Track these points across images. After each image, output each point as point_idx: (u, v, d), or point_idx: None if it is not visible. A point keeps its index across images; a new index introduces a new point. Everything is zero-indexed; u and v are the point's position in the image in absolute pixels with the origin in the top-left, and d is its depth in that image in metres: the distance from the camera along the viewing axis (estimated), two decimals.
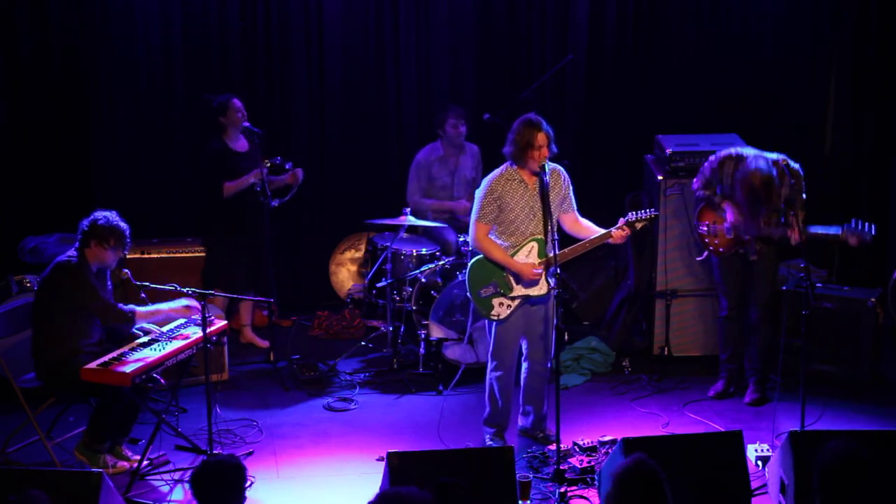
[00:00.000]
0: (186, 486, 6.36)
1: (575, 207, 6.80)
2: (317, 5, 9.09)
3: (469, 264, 6.74)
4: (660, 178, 8.16)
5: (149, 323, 6.68)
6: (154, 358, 6.32)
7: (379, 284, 8.11)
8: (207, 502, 4.52)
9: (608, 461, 5.94)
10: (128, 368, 6.16)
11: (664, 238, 8.17)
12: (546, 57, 9.38)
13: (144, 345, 6.49)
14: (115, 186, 8.98)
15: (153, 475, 6.48)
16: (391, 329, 8.13)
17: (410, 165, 8.76)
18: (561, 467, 6.34)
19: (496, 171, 6.63)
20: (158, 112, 9.03)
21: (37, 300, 6.59)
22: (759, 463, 6.48)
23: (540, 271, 6.53)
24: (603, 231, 6.64)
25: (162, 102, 9.02)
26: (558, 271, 6.42)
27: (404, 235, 8.17)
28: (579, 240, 6.67)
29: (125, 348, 6.43)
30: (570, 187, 6.78)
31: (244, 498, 4.62)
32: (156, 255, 8.36)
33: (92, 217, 6.51)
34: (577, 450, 6.69)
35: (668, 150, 8.17)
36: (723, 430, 7.02)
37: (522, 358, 6.86)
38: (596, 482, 6.23)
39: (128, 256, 8.18)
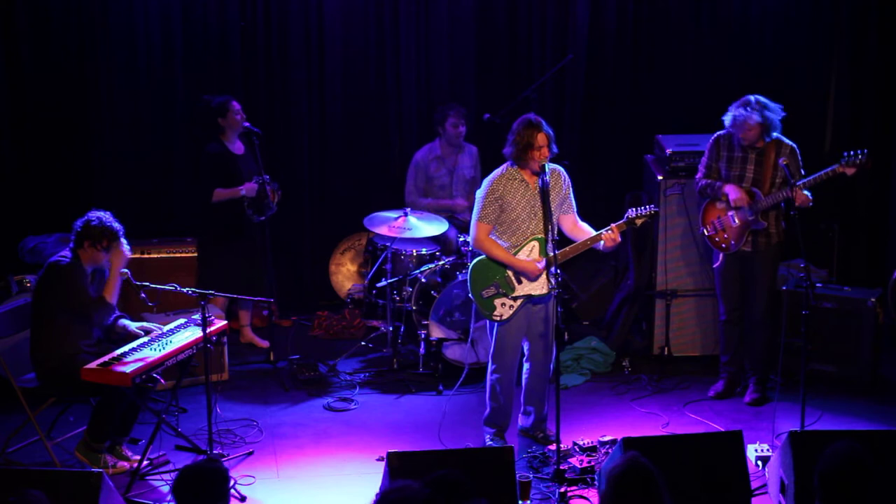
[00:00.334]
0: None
1: (575, 209, 6.80)
2: (317, 5, 9.09)
3: (470, 266, 6.74)
4: (660, 178, 8.16)
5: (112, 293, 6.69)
6: (154, 358, 6.32)
7: (379, 284, 8.11)
8: None
9: (608, 462, 5.93)
10: (128, 368, 6.16)
11: (664, 238, 8.18)
12: (546, 57, 9.38)
13: (144, 345, 6.49)
14: (115, 186, 8.98)
15: (153, 475, 6.48)
16: (391, 329, 8.13)
17: (409, 165, 8.77)
18: (561, 467, 6.34)
19: (497, 171, 6.63)
20: (158, 112, 9.03)
21: (33, 302, 6.60)
22: (759, 463, 6.48)
23: (543, 266, 6.53)
24: (594, 234, 6.63)
25: (162, 102, 9.02)
26: (558, 271, 6.41)
27: (404, 235, 8.17)
28: (574, 241, 6.66)
29: (125, 348, 6.43)
30: (571, 188, 6.78)
31: (228, 501, 4.60)
32: (156, 255, 8.36)
33: (86, 218, 6.51)
34: (577, 450, 6.69)
35: (668, 150, 8.17)
36: (723, 430, 7.02)
37: (524, 358, 6.86)
38: (596, 482, 6.23)
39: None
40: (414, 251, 8.15)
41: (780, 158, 7.11)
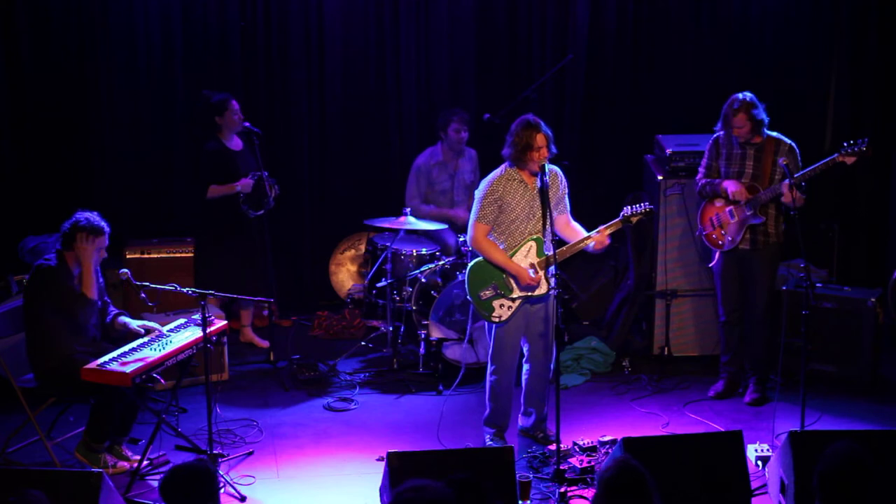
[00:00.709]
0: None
1: (568, 210, 6.79)
2: (317, 5, 9.09)
3: (468, 267, 6.73)
4: (660, 178, 8.16)
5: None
6: (154, 358, 6.32)
7: (379, 284, 8.11)
8: None
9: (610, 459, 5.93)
10: (128, 368, 6.15)
11: (664, 238, 8.18)
12: (546, 57, 9.38)
13: (144, 345, 6.49)
14: (115, 186, 8.99)
15: (153, 475, 6.48)
16: (391, 329, 8.13)
17: (410, 169, 8.75)
18: (561, 467, 6.34)
19: (496, 172, 6.63)
20: (158, 112, 9.04)
21: (24, 306, 6.61)
22: (759, 463, 6.48)
23: (538, 276, 6.53)
24: (585, 235, 6.63)
25: (162, 102, 9.03)
26: (557, 272, 6.41)
27: (404, 235, 8.17)
28: (566, 242, 6.66)
29: (125, 348, 6.43)
30: (567, 189, 6.78)
31: (218, 500, 4.59)
32: (156, 255, 8.36)
33: (73, 219, 6.50)
34: (577, 450, 6.69)
35: (668, 150, 8.17)
36: (723, 430, 7.02)
37: (524, 359, 6.86)
38: (596, 482, 6.22)
39: (128, 256, 8.24)
40: (414, 251, 8.15)
41: (780, 158, 7.11)
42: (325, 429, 7.22)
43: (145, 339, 6.58)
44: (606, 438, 6.73)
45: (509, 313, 6.61)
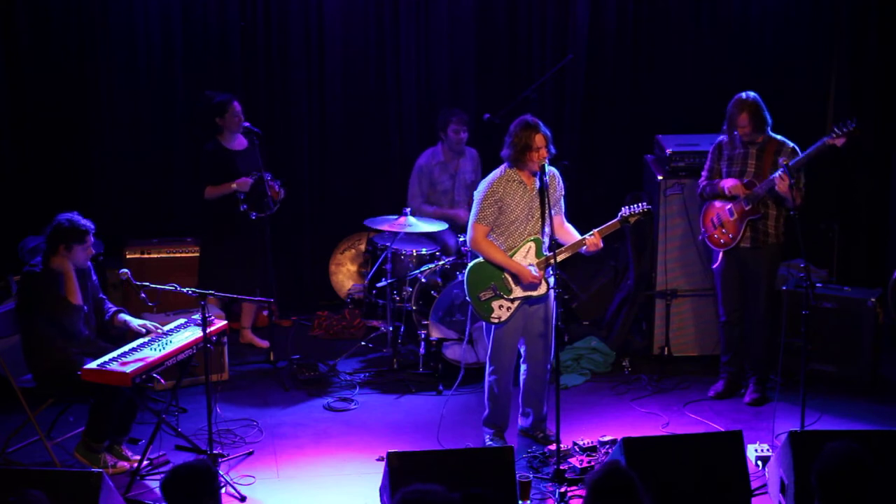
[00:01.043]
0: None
1: (563, 212, 6.79)
2: (317, 5, 9.09)
3: (467, 268, 6.73)
4: (660, 178, 8.16)
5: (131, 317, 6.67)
6: (154, 358, 6.32)
7: (379, 284, 8.11)
8: None
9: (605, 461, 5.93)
10: (128, 368, 6.16)
11: (664, 238, 8.18)
12: (546, 57, 9.38)
13: (144, 345, 6.49)
14: (115, 186, 8.99)
15: (153, 475, 6.48)
16: (391, 329, 8.13)
17: (412, 170, 8.75)
18: (561, 467, 6.34)
19: (496, 173, 6.63)
20: (158, 112, 9.04)
21: (16, 310, 6.61)
22: (759, 463, 6.48)
23: (539, 274, 6.53)
24: (579, 237, 6.63)
25: (162, 102, 9.03)
26: (557, 272, 6.41)
27: (404, 235, 8.17)
28: (561, 243, 6.64)
29: (125, 348, 6.43)
30: (563, 191, 6.78)
31: (219, 499, 4.59)
32: (156, 255, 8.36)
33: (55, 222, 6.49)
34: (577, 450, 6.69)
35: (668, 150, 8.17)
36: (723, 430, 7.02)
37: (521, 360, 6.86)
38: (585, 485, 6.21)
39: (128, 256, 8.24)
40: (414, 251, 8.15)
41: (781, 158, 7.11)
42: (325, 429, 7.22)
43: (145, 338, 6.58)
44: (606, 438, 6.73)
45: (508, 314, 6.61)
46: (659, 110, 9.35)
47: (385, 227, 8.00)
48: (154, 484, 6.41)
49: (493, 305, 6.61)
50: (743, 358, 7.60)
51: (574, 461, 6.54)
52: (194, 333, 6.65)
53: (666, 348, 8.18)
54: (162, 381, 6.61)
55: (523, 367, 6.86)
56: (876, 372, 7.80)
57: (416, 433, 7.11)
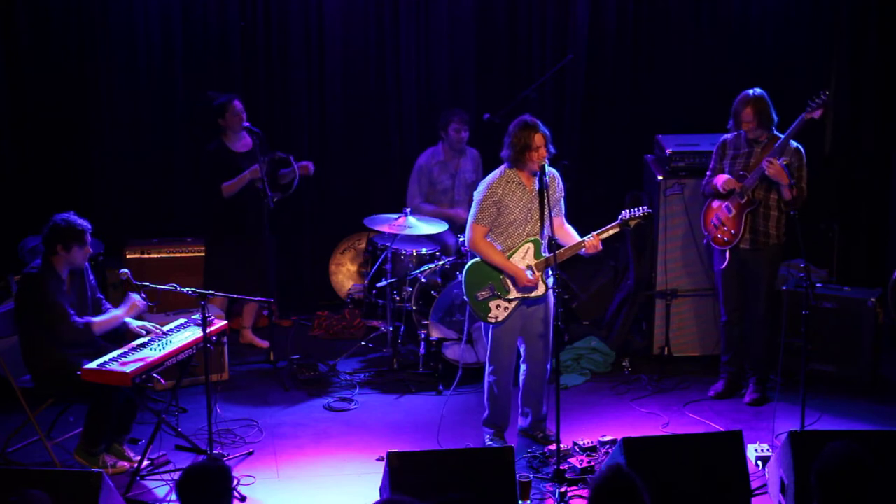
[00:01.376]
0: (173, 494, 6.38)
1: (563, 213, 6.79)
2: (317, 5, 9.09)
3: (465, 267, 6.73)
4: (660, 178, 8.16)
5: (106, 329, 6.61)
6: (154, 358, 6.32)
7: (379, 284, 8.11)
8: None
9: (609, 462, 5.93)
10: (128, 368, 6.16)
11: (664, 238, 8.18)
12: (546, 57, 9.38)
13: (144, 345, 6.49)
14: (115, 186, 9.00)
15: (153, 475, 6.48)
16: (391, 329, 8.13)
17: (412, 169, 8.75)
18: (561, 467, 6.34)
19: (495, 174, 6.63)
20: (158, 112, 9.04)
21: (15, 311, 6.61)
22: (759, 463, 6.48)
23: (535, 277, 6.52)
24: (578, 240, 6.62)
25: (162, 102, 9.03)
26: (557, 272, 6.41)
27: (404, 235, 8.17)
28: (561, 244, 6.64)
29: (125, 348, 6.43)
30: (563, 192, 6.78)
31: (232, 499, 4.59)
32: (156, 255, 8.36)
33: (51, 222, 6.47)
34: (577, 450, 6.69)
35: (668, 150, 8.17)
36: (723, 430, 7.02)
37: (521, 360, 6.86)
38: (588, 488, 6.22)
39: (128, 256, 8.24)
40: (414, 251, 8.15)
41: (781, 158, 7.11)
42: (325, 429, 7.22)
43: (145, 338, 6.58)
44: (606, 438, 6.73)
45: (505, 314, 6.61)
46: (659, 110, 9.35)
47: (385, 228, 8.01)
48: (154, 484, 6.41)
49: (490, 305, 6.61)
50: (743, 358, 7.60)
51: (574, 461, 6.54)
52: (194, 333, 6.65)
53: (666, 348, 8.18)
54: (162, 381, 6.61)
55: (523, 368, 6.86)
56: (876, 372, 7.80)
57: (416, 433, 7.11)
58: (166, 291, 6.59)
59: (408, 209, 8.11)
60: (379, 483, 5.84)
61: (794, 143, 7.24)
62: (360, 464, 6.66)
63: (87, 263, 6.66)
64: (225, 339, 7.63)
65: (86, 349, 6.49)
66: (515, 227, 6.56)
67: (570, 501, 6.17)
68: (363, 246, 9.10)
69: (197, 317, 6.58)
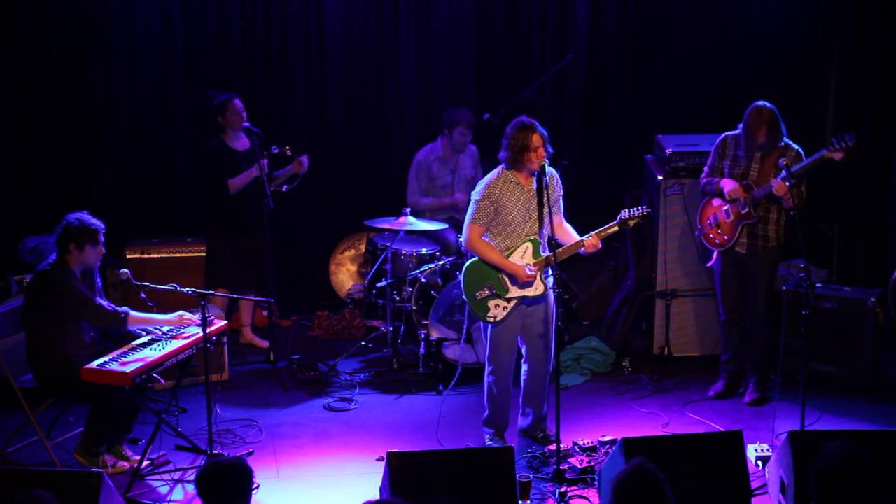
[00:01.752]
0: (189, 487, 6.37)
1: (563, 212, 6.79)
2: (317, 5, 9.09)
3: (464, 267, 6.73)
4: (660, 178, 8.16)
5: (140, 326, 6.64)
6: (154, 358, 6.32)
7: (379, 284, 8.11)
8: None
9: (608, 462, 5.93)
10: (128, 368, 6.16)
11: (664, 238, 8.18)
12: (546, 57, 9.38)
13: (144, 345, 6.49)
14: (115, 186, 8.99)
15: (153, 475, 6.48)
16: (391, 329, 8.13)
17: (410, 165, 8.76)
18: (561, 467, 6.34)
19: (492, 174, 6.63)
20: (158, 112, 9.04)
21: (24, 309, 6.60)
22: (759, 463, 6.48)
23: (534, 272, 6.53)
24: (577, 239, 6.63)
25: (162, 102, 9.03)
26: (557, 272, 6.41)
27: (404, 235, 8.17)
28: (561, 243, 6.64)
29: (125, 348, 6.44)
30: (562, 192, 6.78)
31: (250, 499, 4.60)
32: (156, 255, 8.35)
33: (64, 221, 6.48)
34: (577, 450, 6.69)
35: (668, 150, 8.17)
36: (723, 430, 7.02)
37: (522, 360, 6.86)
38: (596, 482, 6.23)
39: (128, 256, 8.24)
40: (414, 251, 8.15)
41: (781, 159, 7.11)
42: (325, 429, 7.22)
43: (145, 339, 6.58)
44: (606, 438, 6.73)
45: (504, 313, 6.61)
46: (659, 110, 9.35)
47: (385, 227, 8.01)
48: (154, 484, 6.41)
49: (489, 305, 6.62)
50: (743, 358, 7.60)
51: (574, 461, 6.54)
52: (194, 333, 6.65)
53: (666, 348, 8.18)
54: (162, 381, 6.61)
55: (524, 367, 6.86)
56: (876, 372, 7.80)
57: (416, 433, 7.11)
58: (166, 291, 6.59)
59: (408, 209, 8.11)
60: (379, 483, 5.84)
61: (794, 146, 7.23)
62: (360, 464, 6.66)
63: (95, 270, 6.65)
64: (225, 339, 7.63)
65: (91, 349, 6.49)
66: (514, 227, 6.57)
67: (570, 501, 6.17)
68: (363, 246, 9.10)
69: (197, 317, 6.58)
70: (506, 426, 6.89)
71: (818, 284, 7.86)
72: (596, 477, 6.26)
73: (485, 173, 6.78)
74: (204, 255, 8.29)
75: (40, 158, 8.82)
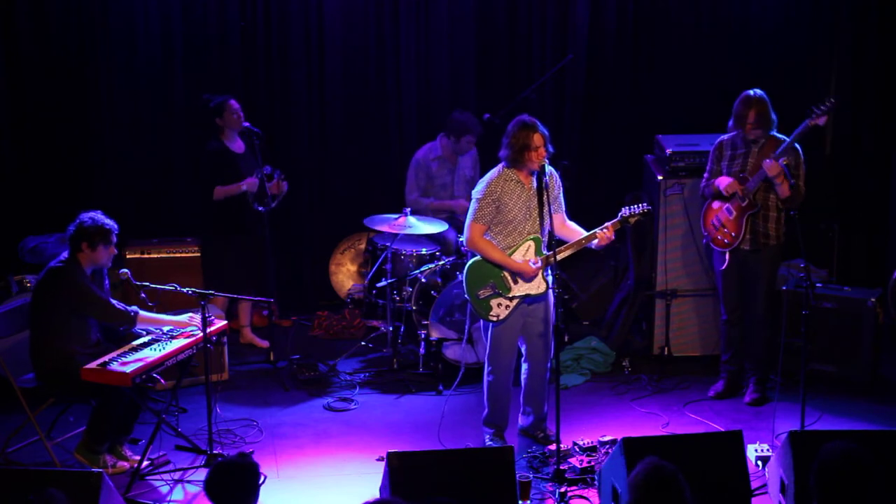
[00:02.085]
0: (189, 487, 6.37)
1: (563, 209, 6.80)
2: (317, 5, 9.09)
3: (466, 266, 6.73)
4: (660, 178, 8.16)
5: (148, 326, 6.66)
6: (154, 358, 6.32)
7: (379, 284, 8.11)
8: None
9: (608, 462, 5.93)
10: (128, 368, 6.16)
11: (664, 238, 8.18)
12: (546, 57, 9.38)
13: (144, 345, 6.49)
14: (115, 186, 8.99)
15: (153, 475, 6.48)
16: (391, 329, 8.13)
17: (409, 164, 8.76)
18: (561, 467, 6.34)
19: (493, 173, 6.64)
20: (158, 112, 9.04)
21: (32, 305, 6.59)
22: (759, 463, 6.48)
23: (538, 265, 6.53)
24: (588, 233, 6.63)
25: (161, 102, 9.03)
26: (557, 271, 6.42)
27: (404, 235, 8.17)
28: (564, 240, 6.66)
29: (125, 348, 6.44)
30: (561, 189, 6.79)
31: (257, 497, 4.61)
32: (156, 255, 8.35)
33: (78, 220, 6.49)
34: (577, 450, 6.69)
35: (668, 150, 8.17)
36: (723, 430, 7.02)
37: (522, 359, 6.86)
38: (596, 482, 6.23)
39: (128, 256, 8.24)
40: (414, 251, 8.15)
41: (781, 159, 7.11)
42: (325, 429, 7.22)
43: (145, 338, 6.58)
44: (606, 438, 6.73)
45: (507, 312, 6.61)
46: (659, 110, 9.35)
47: (385, 227, 8.01)
48: (155, 484, 6.41)
49: (491, 304, 6.62)
50: (743, 357, 7.60)
51: (574, 461, 6.54)
52: (194, 333, 6.65)
53: (666, 348, 8.18)
54: (162, 381, 6.61)
55: (524, 367, 6.86)
56: (876, 372, 7.80)
57: (416, 433, 7.11)
58: (166, 291, 6.59)
59: (408, 209, 8.11)
60: (379, 483, 5.83)
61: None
62: (360, 464, 6.66)
63: (104, 270, 6.64)
64: (225, 339, 7.63)
65: (95, 349, 6.50)
66: (515, 225, 6.57)
67: (570, 501, 6.17)
68: (363, 246, 9.10)
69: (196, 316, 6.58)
70: (505, 425, 6.89)
71: (818, 284, 7.86)
72: (596, 477, 6.26)
73: (483, 173, 6.78)
74: (200, 254, 8.29)
75: (40, 158, 8.82)
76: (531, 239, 6.59)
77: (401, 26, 9.24)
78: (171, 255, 8.38)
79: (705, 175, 7.52)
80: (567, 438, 6.73)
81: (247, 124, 8.06)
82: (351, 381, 7.96)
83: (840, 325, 7.73)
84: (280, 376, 8.01)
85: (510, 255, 6.58)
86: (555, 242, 6.50)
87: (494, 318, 6.63)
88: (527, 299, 6.62)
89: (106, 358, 6.28)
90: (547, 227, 6.58)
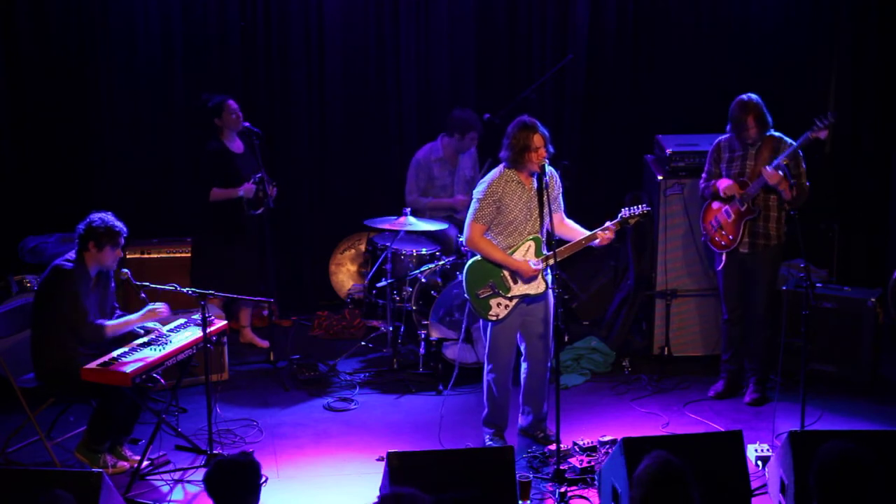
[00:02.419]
0: (189, 487, 6.37)
1: (562, 209, 6.80)
2: (317, 5, 9.10)
3: (466, 265, 6.74)
4: (660, 178, 8.16)
5: (117, 333, 6.61)
6: (154, 358, 6.32)
7: (379, 284, 8.11)
8: (223, 502, 4.50)
9: (608, 462, 5.93)
10: (128, 368, 6.16)
11: (664, 238, 8.18)
12: (546, 57, 9.38)
13: (144, 345, 6.49)
14: (115, 186, 8.99)
15: (153, 475, 6.48)
16: (391, 329, 8.13)
17: (409, 164, 8.76)
18: (561, 467, 6.34)
19: (494, 173, 6.64)
20: (158, 112, 9.04)
21: (34, 302, 6.59)
22: (759, 463, 6.48)
23: (539, 266, 6.54)
24: (589, 232, 6.63)
25: (161, 102, 9.03)
26: (557, 271, 6.42)
27: (404, 235, 8.17)
28: (564, 240, 6.66)
29: (125, 348, 6.43)
30: (561, 189, 6.79)
31: (258, 497, 4.60)
32: (156, 255, 8.36)
33: (88, 220, 6.49)
34: (577, 450, 6.69)
35: (668, 150, 8.17)
36: (723, 430, 7.02)
37: (522, 358, 6.86)
38: (596, 482, 6.23)
39: (128, 256, 8.24)
40: (414, 251, 8.15)
41: (780, 159, 7.11)
42: (325, 429, 7.22)
43: (145, 339, 6.58)
44: (606, 438, 6.73)
45: (506, 312, 6.62)
46: (659, 110, 9.35)
47: (385, 227, 8.01)
48: (155, 484, 6.41)
49: (491, 303, 6.62)
50: (743, 357, 7.60)
51: (574, 461, 6.54)
52: (194, 333, 6.65)
53: (666, 348, 8.18)
54: (162, 381, 6.61)
55: (524, 366, 6.86)
56: (876, 372, 7.80)
57: (416, 433, 7.11)
58: (166, 291, 6.59)
59: (408, 209, 8.11)
60: (379, 483, 5.83)
61: (788, 140, 7.24)
62: (360, 464, 6.66)
63: (111, 272, 6.64)
64: (225, 339, 7.63)
65: (96, 349, 6.49)
66: (515, 225, 6.58)
67: (570, 501, 6.17)
68: (363, 246, 9.10)
69: (197, 317, 6.58)
70: (505, 425, 6.89)
71: (818, 284, 7.86)
72: (596, 477, 6.26)
73: (482, 171, 6.78)
74: (194, 254, 8.28)
75: (40, 158, 8.82)
76: (531, 239, 6.60)
77: (401, 26, 9.24)
78: (171, 255, 8.39)
79: (704, 176, 7.52)
80: (567, 438, 6.73)
81: (246, 124, 8.06)
82: (351, 381, 7.96)
83: (840, 325, 7.73)
84: (280, 376, 8.01)
85: (510, 254, 6.58)
86: (555, 243, 6.50)
87: (494, 318, 6.63)
88: (526, 299, 6.63)
89: (106, 358, 6.28)
90: (547, 228, 6.59)
